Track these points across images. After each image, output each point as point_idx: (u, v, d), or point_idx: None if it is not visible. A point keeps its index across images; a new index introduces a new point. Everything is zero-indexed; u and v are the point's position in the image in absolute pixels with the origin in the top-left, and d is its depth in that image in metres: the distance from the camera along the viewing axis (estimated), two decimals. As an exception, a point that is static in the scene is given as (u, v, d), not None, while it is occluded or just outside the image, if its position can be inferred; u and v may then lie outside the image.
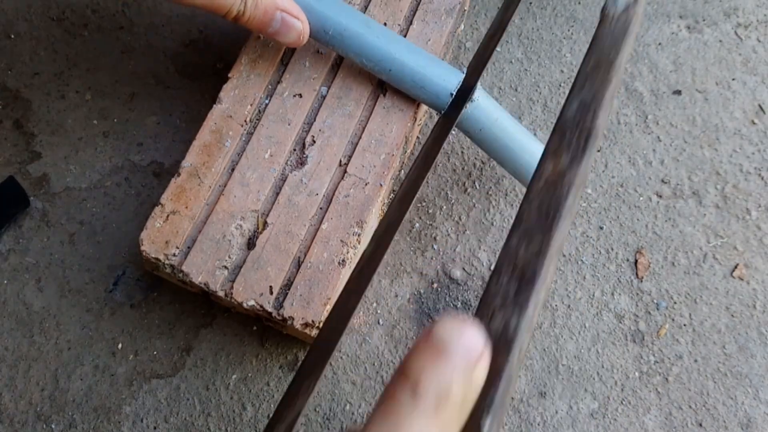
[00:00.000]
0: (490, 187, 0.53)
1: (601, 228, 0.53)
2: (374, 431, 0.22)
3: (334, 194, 0.44)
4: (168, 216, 0.43)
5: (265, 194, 0.44)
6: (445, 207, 0.53)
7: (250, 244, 0.43)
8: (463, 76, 0.44)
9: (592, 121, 0.29)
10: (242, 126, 0.45)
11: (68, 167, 0.53)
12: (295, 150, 0.45)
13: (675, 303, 0.51)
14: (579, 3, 0.59)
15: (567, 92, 0.56)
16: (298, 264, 0.43)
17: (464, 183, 0.53)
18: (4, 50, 0.56)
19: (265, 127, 0.45)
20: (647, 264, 0.52)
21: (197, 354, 0.49)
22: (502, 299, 0.25)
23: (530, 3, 0.59)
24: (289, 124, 0.45)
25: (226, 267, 0.43)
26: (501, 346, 0.24)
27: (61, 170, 0.53)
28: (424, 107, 0.48)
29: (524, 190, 0.53)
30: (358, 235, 0.43)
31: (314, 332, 0.42)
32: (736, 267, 0.52)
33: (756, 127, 0.55)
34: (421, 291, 0.51)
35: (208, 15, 0.56)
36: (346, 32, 0.43)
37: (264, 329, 0.49)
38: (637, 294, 0.51)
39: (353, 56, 0.44)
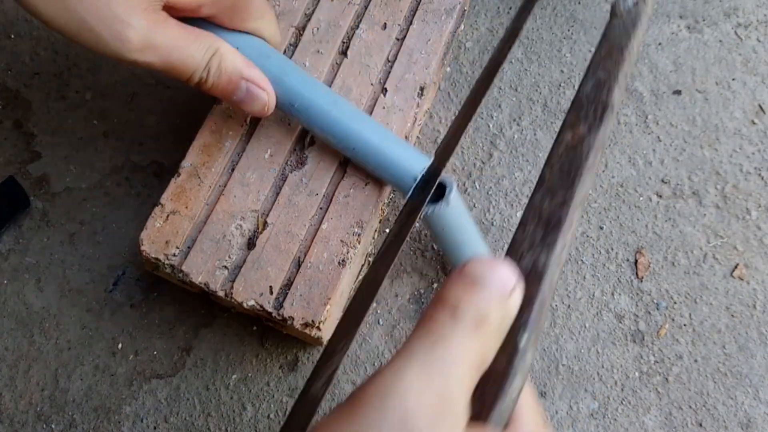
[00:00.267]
0: (490, 187, 0.53)
1: (601, 228, 0.53)
2: (416, 344, 0.23)
3: (334, 194, 0.44)
4: (168, 216, 0.43)
5: (265, 194, 0.44)
6: (445, 207, 0.53)
7: (250, 244, 0.43)
8: (430, 162, 0.42)
9: (608, 96, 0.30)
10: (242, 126, 0.45)
11: (68, 167, 0.53)
12: (295, 150, 0.45)
13: (675, 303, 0.51)
14: (579, 3, 0.59)
15: (567, 92, 0.56)
16: (298, 264, 0.43)
17: (464, 183, 0.53)
18: (4, 50, 0.56)
19: (265, 127, 0.45)
20: (647, 264, 0.52)
21: (197, 354, 0.49)
22: (530, 244, 0.27)
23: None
24: (289, 124, 0.45)
25: (226, 267, 0.43)
26: (532, 279, 0.26)
27: (61, 170, 0.53)
28: None
29: (523, 192, 0.53)
30: (358, 235, 0.43)
31: (314, 332, 0.42)
32: (736, 267, 0.52)
33: (756, 127, 0.55)
34: (421, 291, 0.51)
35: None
36: (312, 108, 0.42)
37: (264, 329, 0.49)
38: (637, 294, 0.51)
39: (318, 131, 0.43)
